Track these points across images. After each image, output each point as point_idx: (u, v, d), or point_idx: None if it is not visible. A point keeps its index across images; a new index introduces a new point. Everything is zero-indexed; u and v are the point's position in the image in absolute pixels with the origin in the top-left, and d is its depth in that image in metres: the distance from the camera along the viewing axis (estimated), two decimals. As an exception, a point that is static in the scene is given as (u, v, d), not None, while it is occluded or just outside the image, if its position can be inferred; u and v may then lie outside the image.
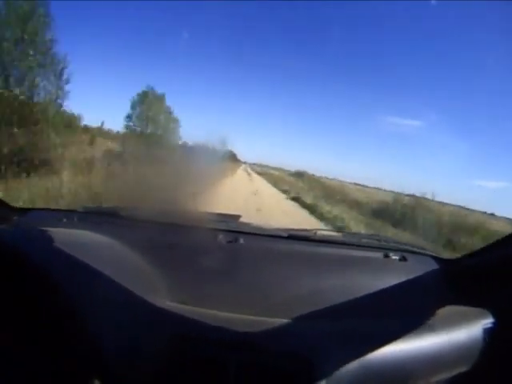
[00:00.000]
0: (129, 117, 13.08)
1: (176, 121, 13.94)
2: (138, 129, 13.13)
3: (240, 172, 22.68)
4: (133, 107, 12.96)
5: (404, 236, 6.54)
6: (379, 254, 1.02)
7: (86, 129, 11.62)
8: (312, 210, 8.94)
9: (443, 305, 0.86)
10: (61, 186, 4.47)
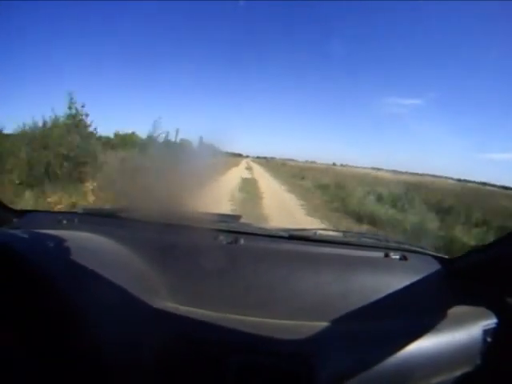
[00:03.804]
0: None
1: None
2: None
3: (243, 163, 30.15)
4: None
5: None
6: (380, 254, 1.02)
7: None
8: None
9: (444, 304, 0.86)
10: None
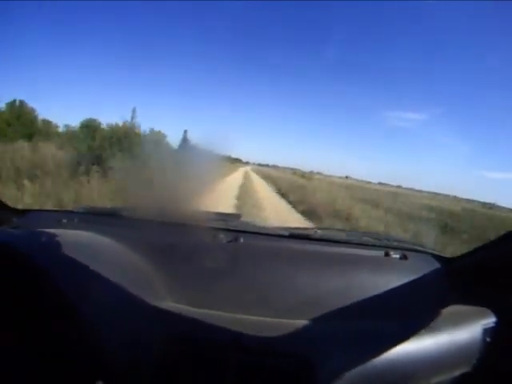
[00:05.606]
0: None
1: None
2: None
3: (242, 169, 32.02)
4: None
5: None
6: (380, 253, 1.01)
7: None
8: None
9: (444, 304, 0.86)
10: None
